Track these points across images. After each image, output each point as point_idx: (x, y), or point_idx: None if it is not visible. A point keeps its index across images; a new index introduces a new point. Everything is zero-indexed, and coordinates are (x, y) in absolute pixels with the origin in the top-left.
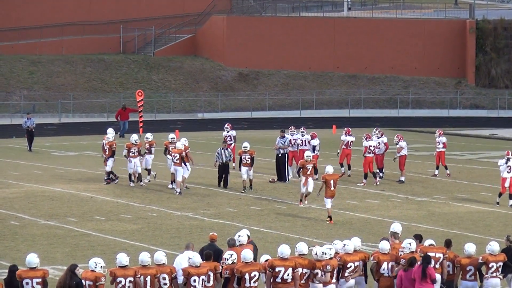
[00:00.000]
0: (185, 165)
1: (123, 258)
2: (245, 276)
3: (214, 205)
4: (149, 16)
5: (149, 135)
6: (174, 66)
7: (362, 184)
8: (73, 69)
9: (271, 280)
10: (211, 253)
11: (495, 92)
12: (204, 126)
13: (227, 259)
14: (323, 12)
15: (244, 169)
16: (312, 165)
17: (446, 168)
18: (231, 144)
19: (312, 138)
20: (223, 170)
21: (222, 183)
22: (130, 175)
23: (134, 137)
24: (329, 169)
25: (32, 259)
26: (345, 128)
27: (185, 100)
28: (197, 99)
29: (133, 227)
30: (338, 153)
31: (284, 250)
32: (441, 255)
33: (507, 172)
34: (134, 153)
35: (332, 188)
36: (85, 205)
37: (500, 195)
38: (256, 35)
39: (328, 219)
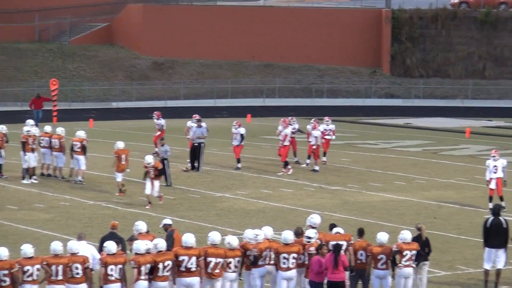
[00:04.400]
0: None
1: (27, 250)
2: (158, 266)
3: (128, 194)
4: (65, 5)
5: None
6: (89, 55)
7: (281, 173)
8: None
9: (176, 269)
10: (119, 241)
11: (410, 82)
12: (119, 115)
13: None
14: (240, 1)
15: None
16: (154, 169)
17: (324, 155)
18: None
19: (239, 126)
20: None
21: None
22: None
23: (26, 128)
24: (120, 145)
25: None
26: (282, 119)
27: (99, 89)
28: (112, 88)
29: (46, 216)
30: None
31: (188, 239)
32: (344, 243)
33: (494, 172)
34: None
35: (123, 162)
36: None
37: (490, 199)
38: (172, 23)
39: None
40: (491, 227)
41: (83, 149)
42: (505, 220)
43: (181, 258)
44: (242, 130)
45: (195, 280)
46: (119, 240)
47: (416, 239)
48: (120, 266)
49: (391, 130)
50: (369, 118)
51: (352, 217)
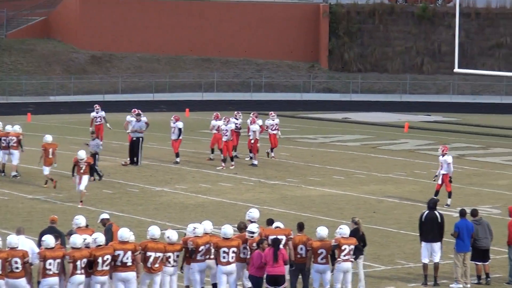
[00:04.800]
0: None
1: None
2: (97, 260)
3: (66, 188)
4: None
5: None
6: (27, 48)
7: (220, 167)
8: None
9: (112, 263)
10: (58, 235)
11: (348, 76)
12: (57, 109)
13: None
14: None
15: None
16: (86, 164)
17: (272, 150)
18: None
19: (176, 121)
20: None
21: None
22: None
23: None
24: (48, 138)
25: None
26: (215, 113)
27: (37, 83)
28: (50, 82)
29: None
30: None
31: (123, 233)
32: (283, 237)
33: (441, 168)
34: None
35: (50, 156)
36: None
37: (436, 193)
38: (110, 17)
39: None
40: (425, 221)
41: (19, 144)
42: (440, 214)
43: (117, 252)
44: (180, 124)
45: (131, 275)
46: (58, 234)
47: (353, 233)
48: (58, 260)
49: (330, 124)
50: (307, 113)
51: (291, 212)
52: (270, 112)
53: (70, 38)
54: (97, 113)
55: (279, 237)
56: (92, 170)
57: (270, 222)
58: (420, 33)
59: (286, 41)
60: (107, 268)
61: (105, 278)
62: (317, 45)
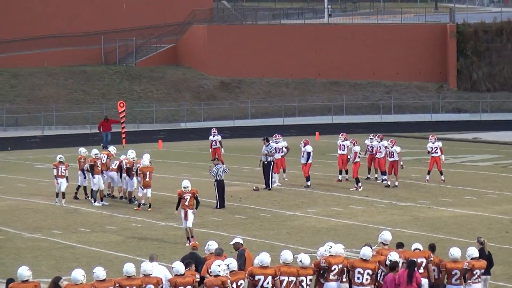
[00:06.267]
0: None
1: (100, 273)
2: (232, 286)
3: (198, 214)
4: (130, 27)
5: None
6: (156, 76)
7: (354, 189)
8: (55, 81)
9: None
10: (192, 262)
11: (477, 96)
12: (187, 136)
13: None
14: (304, 19)
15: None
16: (190, 195)
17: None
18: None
19: (305, 145)
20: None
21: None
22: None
23: (94, 151)
24: (145, 162)
25: (23, 272)
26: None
27: (167, 110)
28: (180, 109)
29: (118, 238)
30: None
31: (264, 258)
32: (423, 260)
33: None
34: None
35: (147, 179)
36: (69, 217)
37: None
38: (237, 43)
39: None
40: None
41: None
42: None
43: (257, 277)
44: (309, 148)
45: None
46: (191, 261)
47: (479, 253)
48: (189, 286)
49: (460, 145)
50: (437, 133)
51: (423, 233)
52: (431, 136)
53: (199, 64)
54: (213, 136)
55: (414, 259)
56: (196, 201)
57: (399, 245)
58: None
59: (414, 62)
60: None
61: None
62: (445, 65)
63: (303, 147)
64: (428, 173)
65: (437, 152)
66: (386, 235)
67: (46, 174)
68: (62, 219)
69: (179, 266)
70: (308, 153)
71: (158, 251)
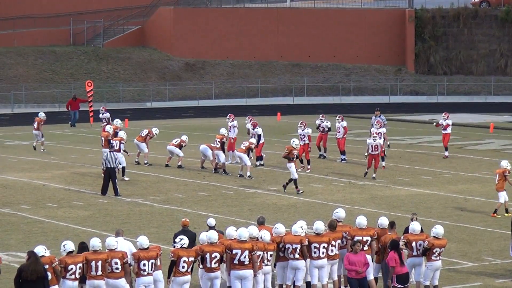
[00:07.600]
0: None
1: (69, 246)
2: (206, 256)
3: (163, 191)
4: (98, 9)
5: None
6: (123, 57)
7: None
8: (25, 61)
9: (230, 262)
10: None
11: (434, 79)
12: (153, 115)
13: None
14: (267, 3)
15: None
16: (297, 152)
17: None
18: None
19: (254, 127)
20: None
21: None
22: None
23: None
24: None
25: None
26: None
27: (134, 89)
28: (146, 89)
29: (85, 214)
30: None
31: (242, 233)
32: (368, 238)
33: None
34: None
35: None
36: (38, 192)
37: None
38: (202, 26)
39: None
40: None
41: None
42: None
43: (234, 251)
44: (259, 131)
45: (248, 272)
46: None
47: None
48: (152, 260)
49: (417, 126)
50: (395, 115)
51: (381, 211)
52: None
53: (165, 46)
54: (102, 114)
55: (365, 238)
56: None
57: (392, 224)
58: (503, 36)
59: (373, 45)
60: (216, 265)
61: (216, 273)
62: (403, 49)
63: (253, 129)
64: (446, 149)
65: (446, 130)
66: (340, 213)
67: (16, 151)
68: (31, 195)
69: (143, 240)
70: (259, 135)
71: (124, 226)
